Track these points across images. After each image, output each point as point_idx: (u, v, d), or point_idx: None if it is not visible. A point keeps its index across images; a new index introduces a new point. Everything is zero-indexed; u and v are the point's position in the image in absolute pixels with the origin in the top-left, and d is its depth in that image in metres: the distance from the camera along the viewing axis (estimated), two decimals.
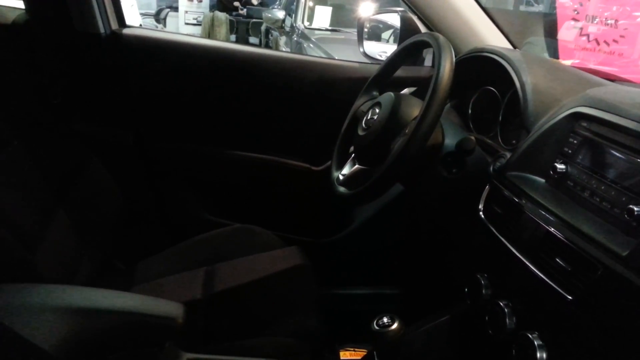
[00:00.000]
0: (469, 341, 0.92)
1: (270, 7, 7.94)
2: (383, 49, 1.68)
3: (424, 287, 1.34)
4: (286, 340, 1.00)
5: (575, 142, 0.82)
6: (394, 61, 1.14)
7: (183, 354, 0.80)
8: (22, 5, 1.38)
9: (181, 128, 1.49)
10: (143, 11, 8.33)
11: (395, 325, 0.78)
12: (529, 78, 0.95)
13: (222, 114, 1.48)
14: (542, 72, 0.99)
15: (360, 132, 1.04)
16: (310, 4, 5.13)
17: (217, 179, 1.55)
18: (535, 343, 0.71)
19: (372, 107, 1.05)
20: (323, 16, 4.97)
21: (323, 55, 3.99)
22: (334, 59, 1.78)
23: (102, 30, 1.36)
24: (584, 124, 0.81)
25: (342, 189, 1.07)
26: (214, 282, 1.11)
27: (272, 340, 0.99)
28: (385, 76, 1.17)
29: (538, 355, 0.70)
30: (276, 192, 1.55)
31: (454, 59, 0.89)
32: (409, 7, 1.33)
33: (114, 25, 1.39)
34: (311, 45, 4.26)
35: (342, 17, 4.99)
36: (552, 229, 0.72)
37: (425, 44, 1.03)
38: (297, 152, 1.51)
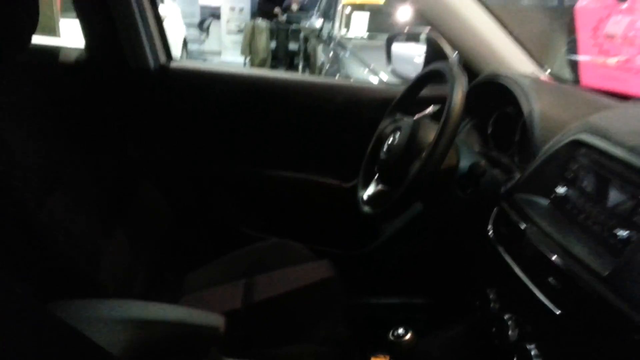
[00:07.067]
0: (478, 351, 1.00)
1: (309, 13, 8.07)
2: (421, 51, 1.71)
3: (444, 298, 1.42)
4: (318, 347, 1.11)
5: (575, 167, 0.88)
6: (413, 88, 1.23)
7: (224, 359, 0.93)
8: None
9: (223, 150, 1.64)
10: (187, 20, 8.64)
11: (408, 336, 0.87)
12: (537, 105, 1.02)
13: (260, 136, 1.61)
14: (549, 99, 1.06)
15: (383, 156, 1.14)
16: (347, 10, 5.19)
17: (255, 196, 1.68)
18: (532, 353, 0.79)
19: (393, 131, 1.15)
20: (360, 22, 5.02)
21: (359, 63, 4.09)
22: (362, 82, 1.87)
23: (152, 65, 1.51)
24: (583, 151, 0.87)
25: (366, 207, 1.17)
26: (253, 293, 1.23)
27: (305, 348, 1.10)
28: (407, 101, 1.27)
29: None
30: (309, 208, 1.66)
31: (465, 89, 0.98)
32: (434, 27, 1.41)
33: (163, 59, 1.55)
34: (347, 53, 4.35)
35: (380, 22, 4.98)
36: (547, 251, 0.80)
37: (440, 74, 1.12)
38: (328, 169, 1.63)
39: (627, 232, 0.72)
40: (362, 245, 1.61)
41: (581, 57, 1.45)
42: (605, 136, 0.83)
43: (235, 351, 0.99)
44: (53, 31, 1.54)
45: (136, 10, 1.47)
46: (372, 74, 3.86)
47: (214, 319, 0.92)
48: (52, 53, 1.55)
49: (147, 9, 1.51)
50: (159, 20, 1.58)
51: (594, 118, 0.93)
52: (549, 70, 1.40)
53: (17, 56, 0.94)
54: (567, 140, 0.91)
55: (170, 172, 1.61)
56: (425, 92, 1.28)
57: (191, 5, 9.91)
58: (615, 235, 0.72)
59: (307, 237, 1.52)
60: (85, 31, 1.51)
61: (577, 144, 0.89)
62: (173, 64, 1.56)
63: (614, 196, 0.78)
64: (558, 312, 0.74)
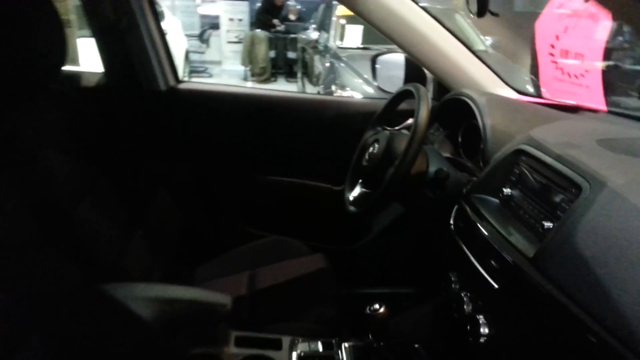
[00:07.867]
0: (442, 323, 1.19)
1: (307, 23, 8.28)
2: None
3: (425, 287, 1.62)
4: (311, 325, 1.31)
5: (517, 172, 1.08)
6: (390, 105, 1.43)
7: (232, 332, 1.12)
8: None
9: (227, 160, 1.85)
10: (187, 32, 8.84)
11: (381, 310, 1.07)
12: (488, 121, 1.22)
13: (260, 147, 1.82)
14: (500, 115, 1.26)
15: (364, 163, 1.33)
16: (342, 21, 5.40)
17: (257, 199, 1.89)
18: (481, 322, 0.98)
19: (374, 142, 1.34)
20: (354, 35, 5.21)
21: (354, 73, 4.29)
22: (348, 97, 2.06)
23: (162, 87, 1.72)
24: (524, 158, 1.07)
25: (352, 208, 1.36)
26: (256, 282, 1.42)
27: (300, 324, 1.30)
28: (385, 115, 1.46)
29: (482, 330, 0.97)
30: (305, 209, 1.87)
31: (429, 107, 1.17)
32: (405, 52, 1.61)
33: (172, 82, 1.76)
34: (342, 64, 4.56)
35: (373, 34, 5.16)
36: (491, 240, 1.00)
37: (410, 93, 1.31)
38: (321, 175, 1.83)
39: (551, 223, 0.91)
40: (353, 241, 1.82)
41: (541, 71, 1.64)
42: (539, 146, 1.03)
43: (240, 326, 1.19)
44: (74, 61, 1.75)
45: (147, 40, 1.68)
46: (365, 84, 4.07)
47: (223, 298, 1.11)
48: (75, 78, 1.76)
49: (156, 39, 1.72)
50: (167, 47, 1.79)
51: (534, 131, 1.13)
52: (512, 85, 1.60)
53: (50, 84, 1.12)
54: (512, 150, 1.10)
55: (182, 180, 1.82)
56: (405, 105, 1.48)
57: (190, 16, 10.10)
58: (543, 226, 0.91)
59: (304, 234, 1.72)
60: (103, 59, 1.72)
61: (520, 153, 1.08)
62: (181, 86, 1.77)
63: (545, 195, 0.97)
64: (496, 286, 0.94)
